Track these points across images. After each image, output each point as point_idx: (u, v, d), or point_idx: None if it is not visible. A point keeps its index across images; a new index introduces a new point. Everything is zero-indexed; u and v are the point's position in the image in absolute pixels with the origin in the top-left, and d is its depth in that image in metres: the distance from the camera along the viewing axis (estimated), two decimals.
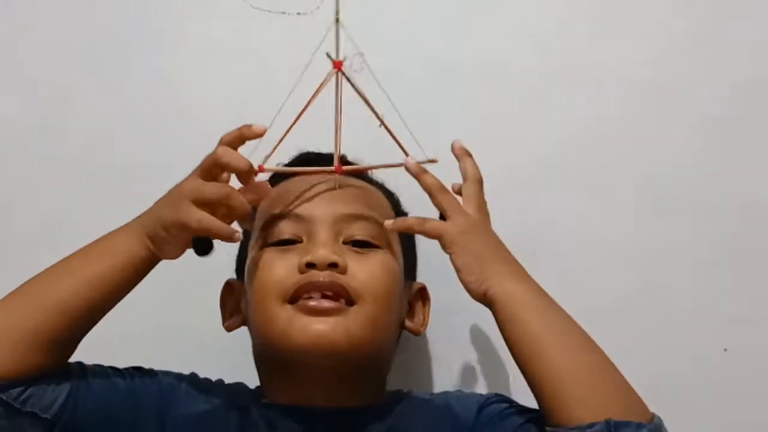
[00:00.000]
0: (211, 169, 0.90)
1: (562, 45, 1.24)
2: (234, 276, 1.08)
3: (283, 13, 1.13)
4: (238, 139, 0.90)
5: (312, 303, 0.92)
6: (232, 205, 0.89)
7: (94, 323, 0.93)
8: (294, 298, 0.93)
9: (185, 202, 0.89)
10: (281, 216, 0.97)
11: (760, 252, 1.21)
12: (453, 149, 0.99)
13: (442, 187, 0.96)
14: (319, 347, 0.92)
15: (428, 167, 0.97)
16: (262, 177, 0.96)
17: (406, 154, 0.95)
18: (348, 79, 0.88)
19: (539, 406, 0.90)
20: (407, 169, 0.96)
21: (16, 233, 1.26)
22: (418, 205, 1.03)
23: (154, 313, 1.19)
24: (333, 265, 0.93)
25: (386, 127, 0.92)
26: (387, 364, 1.03)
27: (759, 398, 1.18)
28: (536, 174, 1.22)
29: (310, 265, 0.92)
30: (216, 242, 0.91)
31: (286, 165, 1.05)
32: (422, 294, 1.07)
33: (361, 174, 1.05)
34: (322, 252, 0.93)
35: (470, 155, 0.99)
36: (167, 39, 1.27)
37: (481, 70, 1.23)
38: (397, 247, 1.01)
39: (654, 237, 1.22)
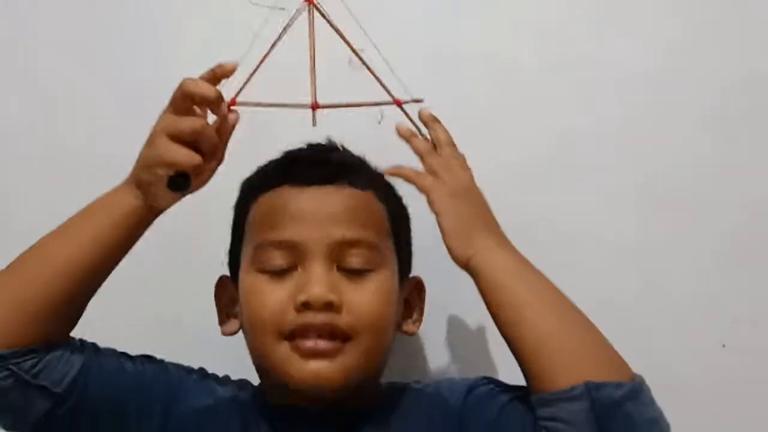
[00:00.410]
0: (181, 102, 0.89)
1: (562, 41, 1.24)
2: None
3: (282, 9, 1.14)
4: (211, 79, 0.89)
5: (308, 344, 0.93)
6: (207, 139, 0.89)
7: (97, 286, 0.94)
8: (290, 335, 0.93)
9: (163, 138, 0.88)
10: (274, 243, 0.96)
11: (759, 250, 1.21)
12: (421, 116, 0.99)
13: (432, 150, 0.97)
14: (317, 386, 0.93)
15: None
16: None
17: (388, 91, 0.93)
18: (321, 14, 0.87)
19: (523, 372, 0.91)
20: (399, 133, 0.98)
21: (15, 233, 1.25)
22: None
23: (156, 309, 1.24)
24: (328, 304, 0.92)
25: (365, 64, 0.91)
26: (383, 369, 1.03)
27: (757, 395, 1.19)
28: (535, 170, 1.23)
29: (306, 304, 0.92)
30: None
31: (272, 168, 1.04)
32: (418, 287, 1.07)
33: (356, 171, 1.03)
34: (317, 291, 0.92)
35: (439, 121, 1.00)
36: (167, 36, 1.29)
37: (480, 66, 1.24)
38: (392, 258, 1.02)
39: (653, 235, 1.22)
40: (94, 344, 0.97)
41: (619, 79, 1.23)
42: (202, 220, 1.13)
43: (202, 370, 1.05)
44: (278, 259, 0.96)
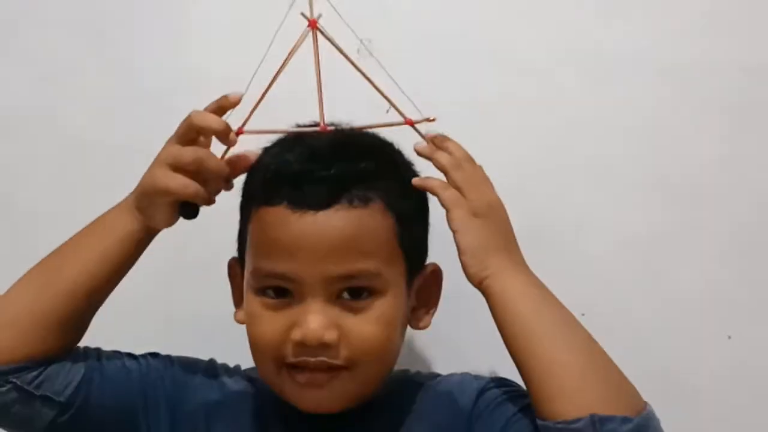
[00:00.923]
0: (187, 134, 0.91)
1: (572, 30, 1.24)
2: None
3: None
4: (216, 110, 0.91)
5: (305, 378, 0.93)
6: (208, 168, 0.91)
7: (101, 302, 0.98)
8: (289, 365, 0.94)
9: (163, 168, 0.91)
10: (270, 273, 0.95)
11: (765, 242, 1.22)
12: (432, 140, 0.96)
13: (458, 165, 0.95)
14: (318, 411, 0.96)
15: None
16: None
17: (399, 111, 0.92)
18: (326, 36, 0.87)
19: (530, 396, 0.91)
20: (418, 152, 0.96)
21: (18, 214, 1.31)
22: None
23: (166, 303, 1.27)
24: (324, 344, 0.93)
25: (374, 85, 0.90)
26: (387, 374, 1.03)
27: (761, 386, 1.20)
28: (542, 162, 1.23)
29: (301, 344, 0.92)
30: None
31: (274, 175, 0.97)
32: (435, 275, 1.05)
33: (356, 183, 0.96)
34: (312, 332, 0.91)
35: (450, 139, 0.97)
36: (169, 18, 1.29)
37: (488, 56, 1.24)
38: (399, 269, 0.99)
39: (659, 225, 1.22)
40: (97, 350, 1.01)
41: (627, 65, 1.22)
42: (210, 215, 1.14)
43: (211, 362, 1.07)
44: (275, 285, 0.95)
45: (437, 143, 0.95)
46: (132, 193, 0.96)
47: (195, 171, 0.90)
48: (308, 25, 0.87)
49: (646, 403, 0.88)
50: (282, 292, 0.94)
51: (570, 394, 0.86)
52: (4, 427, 0.98)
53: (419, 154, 0.96)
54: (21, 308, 0.95)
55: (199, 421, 1.01)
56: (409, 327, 1.03)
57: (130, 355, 1.03)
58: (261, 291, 0.95)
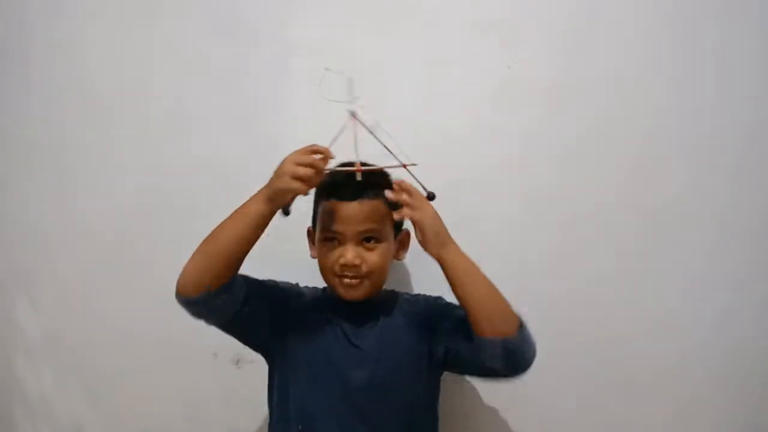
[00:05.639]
0: (306, 151, 1.54)
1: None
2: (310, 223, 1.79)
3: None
4: (311, 152, 1.53)
5: (346, 281, 1.68)
6: (317, 167, 1.52)
7: (248, 251, 1.59)
8: (338, 275, 1.67)
9: (288, 176, 1.51)
10: (329, 231, 1.66)
11: None
12: (395, 185, 1.62)
13: (413, 197, 1.61)
14: (351, 300, 1.69)
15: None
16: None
17: (398, 160, 1.60)
18: (361, 123, 1.50)
19: (468, 317, 1.60)
20: (388, 196, 1.62)
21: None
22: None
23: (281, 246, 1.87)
24: (354, 265, 1.65)
25: (385, 147, 1.57)
26: (383, 284, 1.76)
27: None
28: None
29: (344, 265, 1.65)
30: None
31: (329, 185, 1.65)
32: (407, 235, 1.78)
33: (371, 189, 1.65)
34: (349, 258, 1.64)
35: (403, 182, 1.62)
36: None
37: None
38: (391, 231, 1.70)
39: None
40: (246, 276, 1.66)
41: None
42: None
43: (296, 285, 1.82)
44: (331, 237, 1.67)
45: (397, 186, 1.61)
46: (264, 189, 1.55)
47: (308, 176, 1.50)
48: (351, 116, 1.49)
49: (519, 316, 1.59)
50: (333, 240, 1.66)
51: (488, 322, 1.57)
52: (213, 316, 1.60)
53: (389, 197, 1.61)
54: (215, 255, 1.55)
55: (298, 312, 1.73)
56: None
57: (261, 280, 1.71)
58: (324, 239, 1.68)
